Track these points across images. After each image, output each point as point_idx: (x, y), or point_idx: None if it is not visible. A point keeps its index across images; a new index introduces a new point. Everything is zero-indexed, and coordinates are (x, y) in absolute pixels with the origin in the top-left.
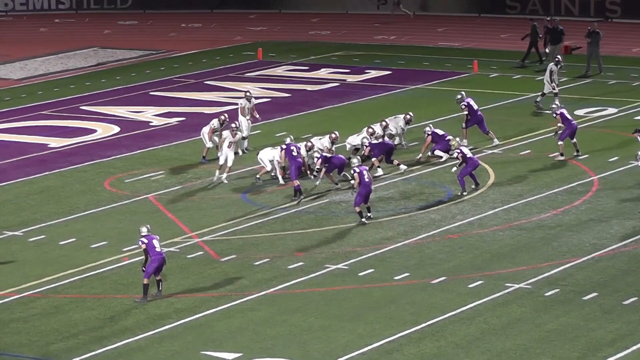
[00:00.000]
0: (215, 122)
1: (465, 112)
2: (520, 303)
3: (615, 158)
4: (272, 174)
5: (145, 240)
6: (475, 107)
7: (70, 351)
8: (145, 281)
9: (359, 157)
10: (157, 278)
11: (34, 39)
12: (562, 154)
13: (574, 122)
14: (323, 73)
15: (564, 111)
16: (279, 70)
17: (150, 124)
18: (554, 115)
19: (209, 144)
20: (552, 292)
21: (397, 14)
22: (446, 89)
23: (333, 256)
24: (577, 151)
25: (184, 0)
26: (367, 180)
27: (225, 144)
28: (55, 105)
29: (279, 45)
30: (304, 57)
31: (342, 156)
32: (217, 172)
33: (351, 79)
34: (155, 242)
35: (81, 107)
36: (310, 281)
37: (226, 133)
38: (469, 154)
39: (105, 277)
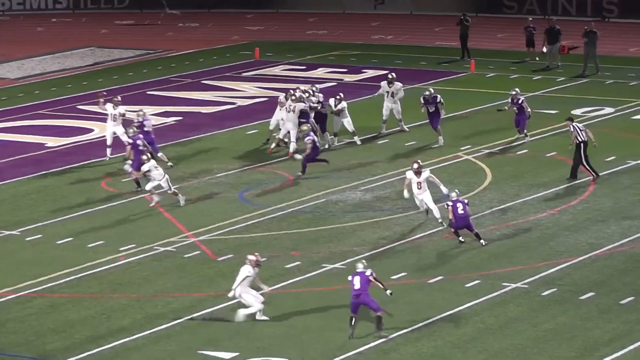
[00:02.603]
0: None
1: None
2: (517, 303)
3: (612, 158)
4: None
5: (350, 278)
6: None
7: (66, 351)
8: (351, 315)
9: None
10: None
11: (31, 38)
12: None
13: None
14: (320, 72)
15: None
16: (276, 70)
17: None
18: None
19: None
20: (549, 291)
21: (168, 14)
22: (443, 89)
23: (330, 256)
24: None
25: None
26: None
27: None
28: (52, 105)
29: (276, 45)
30: (301, 56)
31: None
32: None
33: (348, 78)
34: (357, 280)
35: (78, 107)
36: (307, 281)
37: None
38: (317, 142)
39: (101, 277)
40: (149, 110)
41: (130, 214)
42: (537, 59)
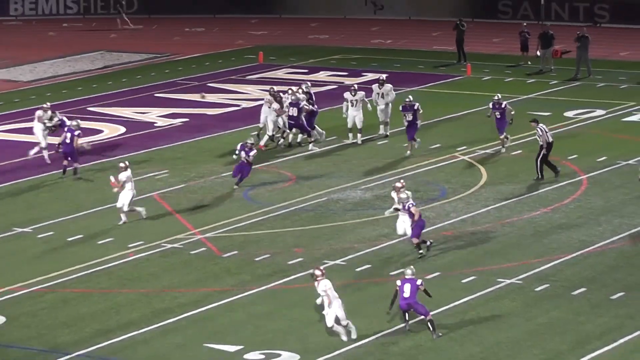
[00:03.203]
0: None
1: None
2: (512, 298)
3: (604, 158)
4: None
5: (399, 283)
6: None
7: (77, 344)
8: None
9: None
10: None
11: (42, 42)
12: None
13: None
14: (322, 75)
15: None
16: (280, 73)
17: (155, 124)
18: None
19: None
20: (542, 287)
21: (124, 24)
22: (441, 92)
23: (331, 252)
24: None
25: (187, 5)
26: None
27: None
28: (63, 107)
29: (279, 49)
30: (303, 60)
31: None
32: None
33: (349, 81)
34: (407, 288)
35: (88, 109)
36: (309, 276)
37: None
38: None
39: (111, 272)
40: (156, 111)
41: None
42: (530, 62)
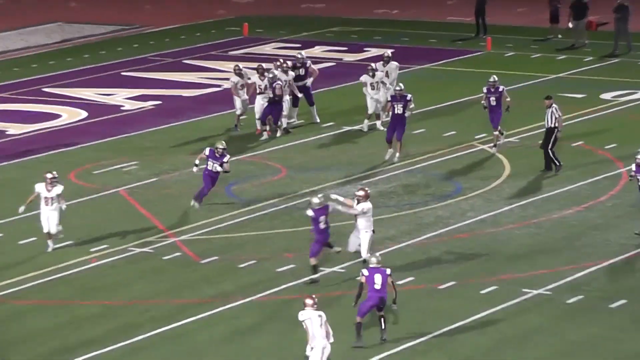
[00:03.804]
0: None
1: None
2: (539, 311)
3: None
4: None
5: (366, 273)
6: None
7: None
8: (359, 319)
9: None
10: (380, 314)
11: None
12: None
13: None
14: (317, 51)
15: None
16: (267, 48)
17: (122, 108)
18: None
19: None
20: (575, 298)
21: None
22: (456, 70)
23: (328, 258)
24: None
25: None
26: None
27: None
28: (14, 87)
29: (267, 20)
30: (295, 33)
31: None
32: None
33: (348, 57)
34: (378, 278)
35: (44, 89)
36: (301, 286)
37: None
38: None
39: (71, 281)
40: (124, 93)
41: (103, 210)
42: (560, 36)
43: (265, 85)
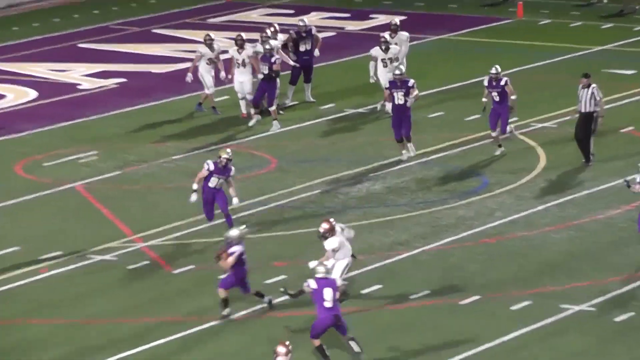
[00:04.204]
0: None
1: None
2: (582, 331)
3: None
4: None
5: (314, 285)
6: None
7: None
8: (317, 343)
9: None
10: (348, 336)
11: None
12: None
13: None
14: (314, 18)
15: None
16: (254, 15)
17: (79, 87)
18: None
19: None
20: (625, 316)
21: None
22: (481, 41)
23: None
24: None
25: None
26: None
27: None
28: None
29: None
30: None
31: None
32: None
33: (351, 26)
34: (328, 293)
35: None
36: (294, 301)
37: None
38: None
39: (16, 296)
40: (81, 68)
41: (57, 209)
42: (606, 0)
43: (244, 60)
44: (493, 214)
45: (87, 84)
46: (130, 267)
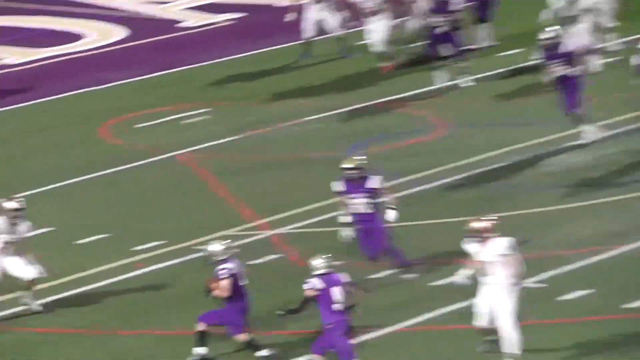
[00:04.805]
0: None
1: None
2: None
3: None
4: None
5: (320, 285)
6: None
7: None
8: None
9: None
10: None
11: None
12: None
13: None
14: None
15: None
16: None
17: (181, 24)
18: None
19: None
20: None
21: None
22: None
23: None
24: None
25: None
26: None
27: None
28: None
29: None
30: None
31: None
32: None
33: None
34: (336, 292)
35: None
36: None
37: None
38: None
39: (106, 296)
40: (184, 0)
41: (153, 185)
42: None
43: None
44: None
45: (192, 21)
46: (253, 262)
